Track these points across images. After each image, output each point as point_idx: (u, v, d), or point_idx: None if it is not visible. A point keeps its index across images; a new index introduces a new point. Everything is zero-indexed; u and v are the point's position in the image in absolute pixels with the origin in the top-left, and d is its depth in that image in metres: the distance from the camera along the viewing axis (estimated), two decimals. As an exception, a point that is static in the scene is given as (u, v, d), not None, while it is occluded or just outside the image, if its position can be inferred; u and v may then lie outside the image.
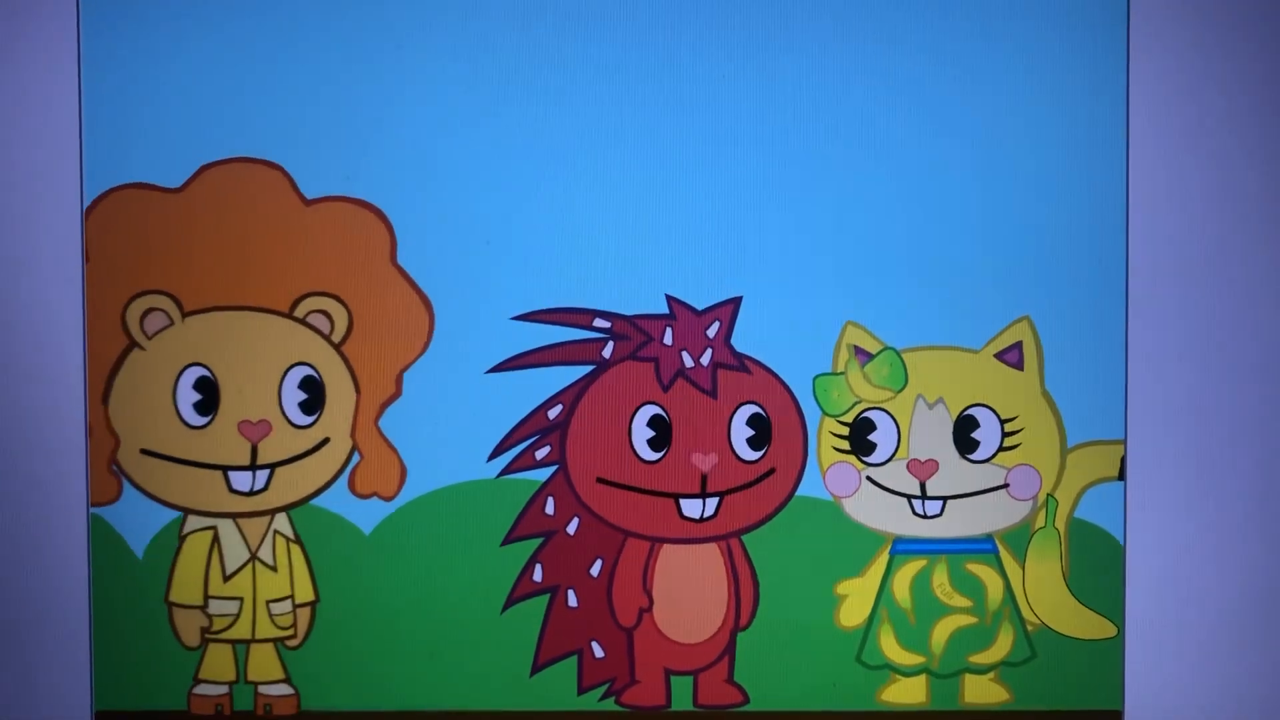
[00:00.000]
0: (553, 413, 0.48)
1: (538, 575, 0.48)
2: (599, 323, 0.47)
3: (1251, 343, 0.47)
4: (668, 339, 0.48)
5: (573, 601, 0.48)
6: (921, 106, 0.47)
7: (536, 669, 0.48)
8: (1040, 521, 0.48)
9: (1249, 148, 0.47)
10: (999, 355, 0.47)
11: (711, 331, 0.47)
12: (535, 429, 0.48)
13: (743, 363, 0.48)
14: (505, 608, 0.48)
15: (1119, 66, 0.47)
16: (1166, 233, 0.47)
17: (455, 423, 0.47)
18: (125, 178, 0.47)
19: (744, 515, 0.48)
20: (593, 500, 0.48)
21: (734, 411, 0.48)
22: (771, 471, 0.48)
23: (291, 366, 0.47)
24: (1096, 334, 0.47)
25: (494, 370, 0.47)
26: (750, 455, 0.48)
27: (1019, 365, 0.47)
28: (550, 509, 0.48)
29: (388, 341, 0.47)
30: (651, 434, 0.48)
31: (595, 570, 0.48)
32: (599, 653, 0.48)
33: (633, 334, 0.47)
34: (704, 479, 0.48)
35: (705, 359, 0.48)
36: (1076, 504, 0.48)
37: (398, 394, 0.47)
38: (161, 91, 0.47)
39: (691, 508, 0.48)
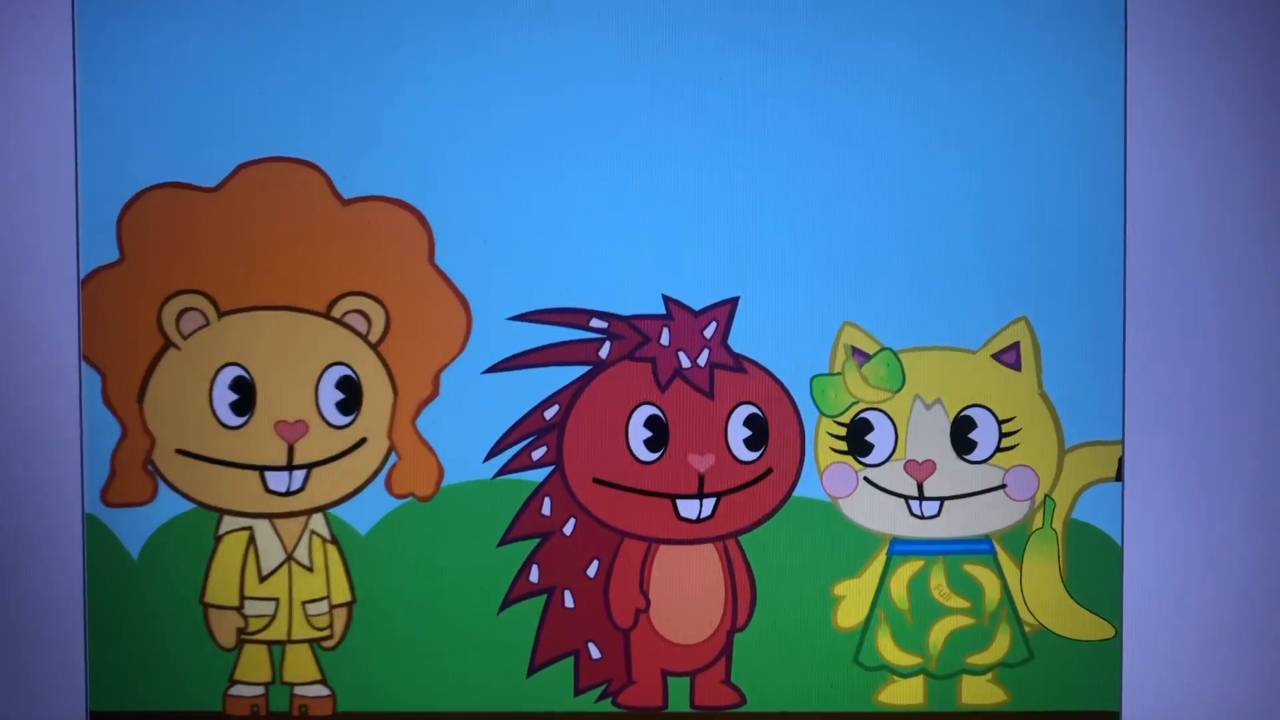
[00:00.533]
0: (549, 413, 0.48)
1: (534, 576, 0.48)
2: (596, 323, 0.47)
3: (1249, 343, 0.47)
4: (665, 339, 0.47)
5: (569, 602, 0.48)
6: (919, 107, 0.47)
7: (533, 670, 0.48)
8: (1038, 522, 0.48)
9: (1247, 148, 0.46)
10: (996, 356, 0.47)
11: (709, 332, 0.47)
12: (532, 429, 0.48)
13: (740, 363, 0.48)
14: (502, 608, 0.48)
15: (1116, 66, 0.46)
16: (1164, 233, 0.47)
17: (452, 423, 0.47)
18: (160, 177, 0.47)
19: (741, 516, 0.48)
20: (589, 501, 0.48)
21: (731, 412, 0.48)
22: (769, 472, 0.48)
23: (329, 366, 0.47)
24: (1094, 334, 0.47)
25: (490, 370, 0.47)
26: (747, 456, 0.48)
27: (1016, 366, 0.47)
28: (547, 509, 0.48)
29: (425, 341, 0.47)
30: (648, 434, 0.48)
31: (592, 571, 0.48)
32: (596, 653, 0.48)
33: (629, 334, 0.47)
34: (701, 479, 0.48)
35: (702, 359, 0.48)
36: (1074, 505, 0.48)
37: (435, 394, 0.47)
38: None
39: (688, 508, 0.48)
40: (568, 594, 0.48)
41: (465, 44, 0.47)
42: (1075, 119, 0.47)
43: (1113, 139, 0.47)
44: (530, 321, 0.47)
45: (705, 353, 0.48)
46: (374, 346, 0.47)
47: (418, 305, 0.47)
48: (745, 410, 0.48)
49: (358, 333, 0.47)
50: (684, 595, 0.48)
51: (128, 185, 0.47)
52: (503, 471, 0.48)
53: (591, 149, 0.47)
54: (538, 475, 0.48)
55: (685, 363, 0.48)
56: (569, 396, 0.48)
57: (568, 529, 0.48)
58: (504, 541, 0.48)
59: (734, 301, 0.47)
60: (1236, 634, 0.48)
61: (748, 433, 0.48)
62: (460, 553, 0.48)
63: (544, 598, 0.48)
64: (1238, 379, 0.47)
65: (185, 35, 0.47)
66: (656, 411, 0.48)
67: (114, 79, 0.47)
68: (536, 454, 0.48)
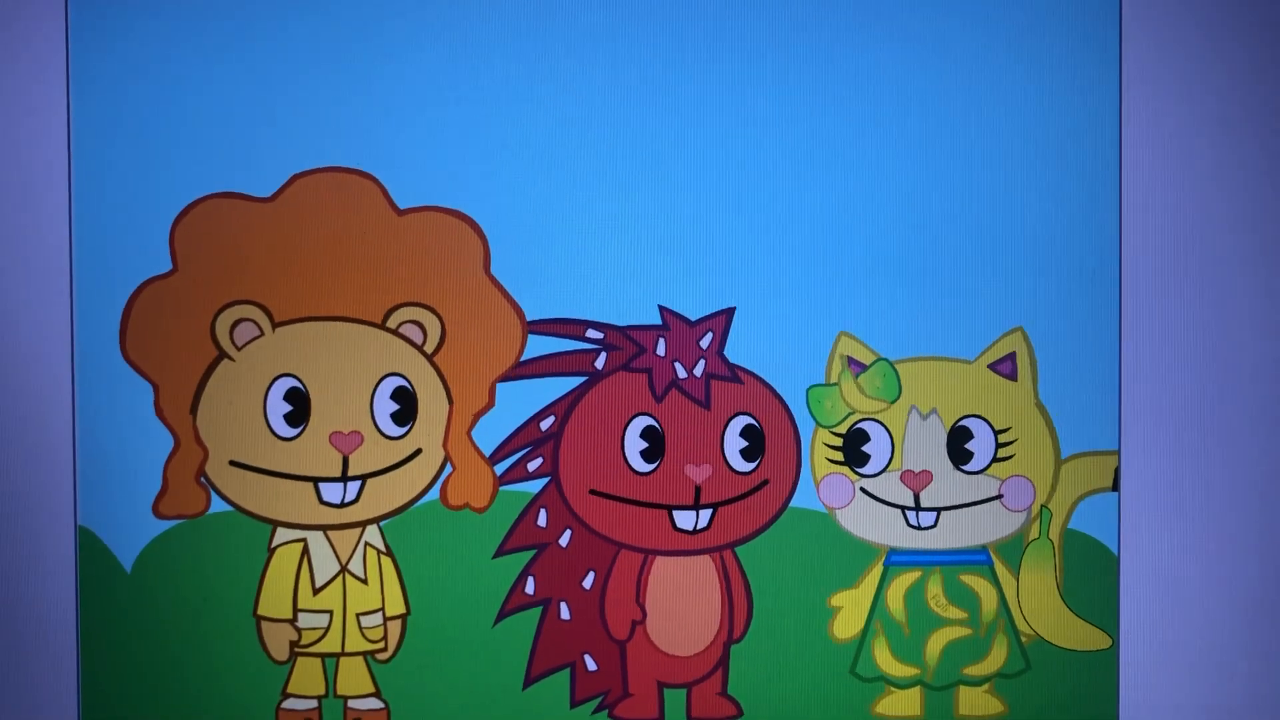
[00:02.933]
0: (545, 424, 0.47)
1: (530, 588, 0.48)
2: (591, 333, 0.47)
3: (1245, 353, 0.47)
4: (660, 350, 0.47)
5: (565, 614, 0.48)
6: (915, 118, 0.47)
7: (529, 682, 0.48)
8: (1034, 533, 0.48)
9: (1243, 159, 0.47)
10: (992, 366, 0.47)
11: (704, 342, 0.47)
12: (527, 440, 0.47)
13: (736, 374, 0.48)
14: (497, 620, 0.48)
15: (1111, 78, 0.47)
16: (1160, 243, 0.47)
17: (447, 434, 0.47)
18: (214, 187, 0.46)
19: (737, 527, 0.48)
20: (585, 512, 0.48)
21: (727, 423, 0.48)
22: (765, 483, 0.48)
23: (384, 377, 0.47)
24: (1090, 345, 0.47)
25: (486, 381, 0.47)
26: (743, 466, 0.48)
27: (1012, 376, 0.47)
28: (543, 521, 0.48)
29: (480, 352, 0.47)
30: (644, 445, 0.48)
31: (588, 583, 0.48)
32: (592, 666, 0.48)
33: (625, 345, 0.47)
34: (697, 490, 0.48)
35: (698, 370, 0.47)
36: (1070, 515, 0.48)
37: (491, 405, 0.47)
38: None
39: (685, 519, 0.48)
40: (564, 606, 0.48)
41: (463, 54, 0.46)
42: (1071, 130, 0.47)
43: (1108, 150, 0.47)
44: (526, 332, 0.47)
45: (701, 363, 0.47)
46: (429, 357, 0.47)
47: (473, 315, 0.47)
48: (741, 421, 0.48)
49: (413, 343, 0.47)
50: (680, 607, 0.48)
51: (126, 193, 0.47)
52: (498, 483, 0.47)
53: (587, 159, 0.47)
54: (534, 486, 0.48)
55: (681, 373, 0.47)
56: (565, 407, 0.47)
57: (564, 540, 0.48)
58: (500, 553, 0.48)
59: (730, 312, 0.47)
60: (1233, 644, 0.48)
61: (744, 443, 0.48)
62: (456, 564, 0.47)
63: (540, 610, 0.48)
64: (1233, 389, 0.47)
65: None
66: (652, 422, 0.48)
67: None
68: (532, 465, 0.47)
